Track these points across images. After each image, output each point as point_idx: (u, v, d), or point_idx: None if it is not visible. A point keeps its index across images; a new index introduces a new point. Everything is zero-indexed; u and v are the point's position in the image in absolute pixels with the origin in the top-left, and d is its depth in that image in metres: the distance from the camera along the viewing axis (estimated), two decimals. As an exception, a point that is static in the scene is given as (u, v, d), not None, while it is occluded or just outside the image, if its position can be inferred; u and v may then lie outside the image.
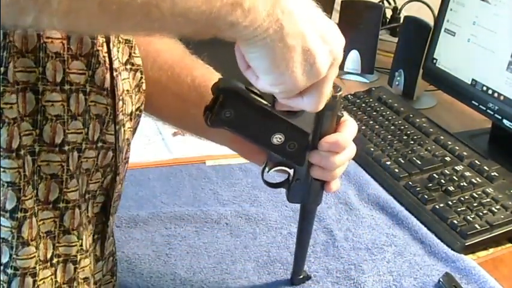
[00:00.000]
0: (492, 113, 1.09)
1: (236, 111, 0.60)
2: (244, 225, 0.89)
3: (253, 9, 0.49)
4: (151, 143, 1.09)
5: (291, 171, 0.68)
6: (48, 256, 0.57)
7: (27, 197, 0.53)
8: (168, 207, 0.92)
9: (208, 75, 0.72)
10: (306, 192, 0.70)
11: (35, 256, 0.55)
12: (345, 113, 0.67)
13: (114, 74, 0.58)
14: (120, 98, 0.60)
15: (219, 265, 0.81)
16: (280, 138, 0.63)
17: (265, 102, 0.62)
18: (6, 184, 0.52)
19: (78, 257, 0.60)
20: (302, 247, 0.77)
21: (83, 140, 0.57)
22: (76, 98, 0.55)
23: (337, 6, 1.47)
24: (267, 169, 0.67)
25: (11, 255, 0.54)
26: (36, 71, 0.52)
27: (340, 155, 0.67)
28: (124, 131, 0.62)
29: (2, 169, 0.51)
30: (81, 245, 0.60)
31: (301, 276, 0.78)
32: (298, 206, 0.88)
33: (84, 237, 0.60)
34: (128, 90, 0.62)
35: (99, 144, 0.59)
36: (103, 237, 0.64)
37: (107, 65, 0.57)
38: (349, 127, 0.67)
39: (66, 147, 0.55)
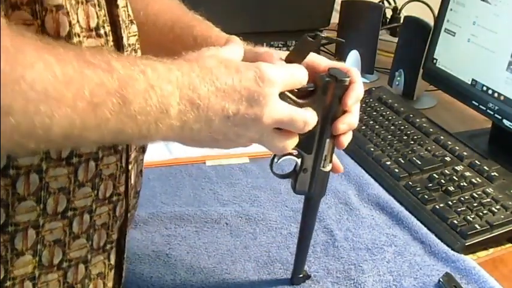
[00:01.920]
0: (492, 113, 1.09)
1: None
2: (244, 225, 0.89)
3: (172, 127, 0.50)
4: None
5: (299, 161, 0.68)
6: None
7: (15, 268, 0.54)
8: (168, 207, 0.92)
9: (207, 33, 0.71)
10: (312, 182, 0.69)
11: None
12: (354, 73, 0.66)
13: None
14: None
15: (219, 265, 0.81)
16: None
17: None
18: None
19: None
20: (304, 243, 0.76)
21: (93, 202, 0.57)
22: (85, 167, 0.55)
23: (337, 6, 1.47)
24: (276, 159, 0.67)
25: None
26: (41, 152, 0.52)
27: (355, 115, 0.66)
28: (137, 165, 0.62)
29: None
30: None
31: (301, 275, 0.78)
32: (298, 206, 0.88)
33: None
34: None
35: (114, 198, 0.60)
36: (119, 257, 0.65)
37: None
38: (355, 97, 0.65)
39: (70, 213, 0.56)
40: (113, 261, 0.62)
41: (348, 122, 0.64)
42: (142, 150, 0.64)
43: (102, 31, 0.54)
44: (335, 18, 1.49)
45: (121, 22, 0.57)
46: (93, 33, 0.53)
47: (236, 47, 0.60)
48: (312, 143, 0.66)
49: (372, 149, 1.07)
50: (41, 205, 0.53)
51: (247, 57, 0.60)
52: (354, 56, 1.40)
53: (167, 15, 0.73)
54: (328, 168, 0.69)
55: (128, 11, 0.60)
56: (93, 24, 0.53)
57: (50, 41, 0.45)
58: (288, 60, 0.62)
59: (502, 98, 1.07)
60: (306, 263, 0.79)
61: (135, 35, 0.62)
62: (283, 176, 0.71)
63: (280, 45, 1.42)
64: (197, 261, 0.81)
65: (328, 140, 0.66)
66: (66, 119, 0.44)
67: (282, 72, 0.56)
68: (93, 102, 0.45)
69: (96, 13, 0.53)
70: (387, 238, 0.88)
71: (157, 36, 0.71)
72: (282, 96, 0.60)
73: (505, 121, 1.06)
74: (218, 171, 1.02)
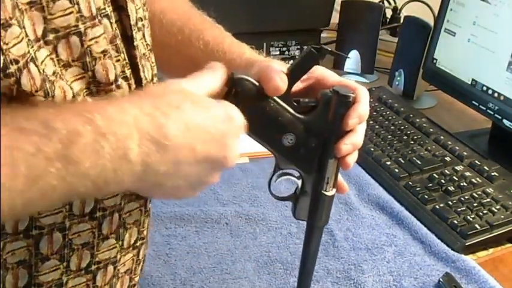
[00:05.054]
0: (492, 113, 1.09)
1: (248, 107, 0.56)
2: (244, 225, 0.89)
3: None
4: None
5: (299, 183, 0.63)
6: None
7: None
8: (168, 207, 0.92)
9: (220, 38, 0.67)
10: (313, 208, 0.64)
11: None
12: (361, 92, 0.61)
13: None
14: None
15: (219, 265, 0.81)
16: (291, 140, 0.59)
17: (277, 98, 0.58)
18: None
19: None
20: (306, 273, 0.68)
21: (118, 252, 0.56)
22: (110, 220, 0.54)
23: (337, 6, 1.47)
24: (274, 178, 0.63)
25: None
26: (63, 210, 0.50)
27: (360, 134, 0.61)
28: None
29: None
30: None
31: None
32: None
33: None
34: None
35: (138, 243, 0.59)
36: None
37: None
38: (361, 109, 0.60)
39: (94, 267, 0.54)
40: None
41: (352, 142, 0.59)
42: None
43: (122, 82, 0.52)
44: (335, 18, 1.48)
45: (140, 66, 0.54)
46: (113, 86, 0.51)
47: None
48: (313, 163, 0.61)
49: (372, 149, 1.07)
50: (64, 263, 0.52)
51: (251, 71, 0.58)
52: (354, 56, 1.40)
53: (175, 15, 0.69)
54: (331, 192, 0.63)
55: (146, 41, 0.57)
56: (112, 77, 0.50)
57: None
58: (290, 72, 0.58)
59: (502, 98, 1.07)
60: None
61: (154, 66, 0.59)
62: (282, 199, 0.65)
63: (280, 45, 1.42)
64: (197, 261, 0.81)
65: (331, 161, 0.61)
66: (6, 201, 0.40)
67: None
68: (33, 176, 0.41)
69: (114, 64, 0.51)
70: (387, 238, 0.88)
71: (164, 36, 0.68)
72: (283, 111, 0.58)
73: (505, 121, 1.06)
74: (218, 171, 1.02)
